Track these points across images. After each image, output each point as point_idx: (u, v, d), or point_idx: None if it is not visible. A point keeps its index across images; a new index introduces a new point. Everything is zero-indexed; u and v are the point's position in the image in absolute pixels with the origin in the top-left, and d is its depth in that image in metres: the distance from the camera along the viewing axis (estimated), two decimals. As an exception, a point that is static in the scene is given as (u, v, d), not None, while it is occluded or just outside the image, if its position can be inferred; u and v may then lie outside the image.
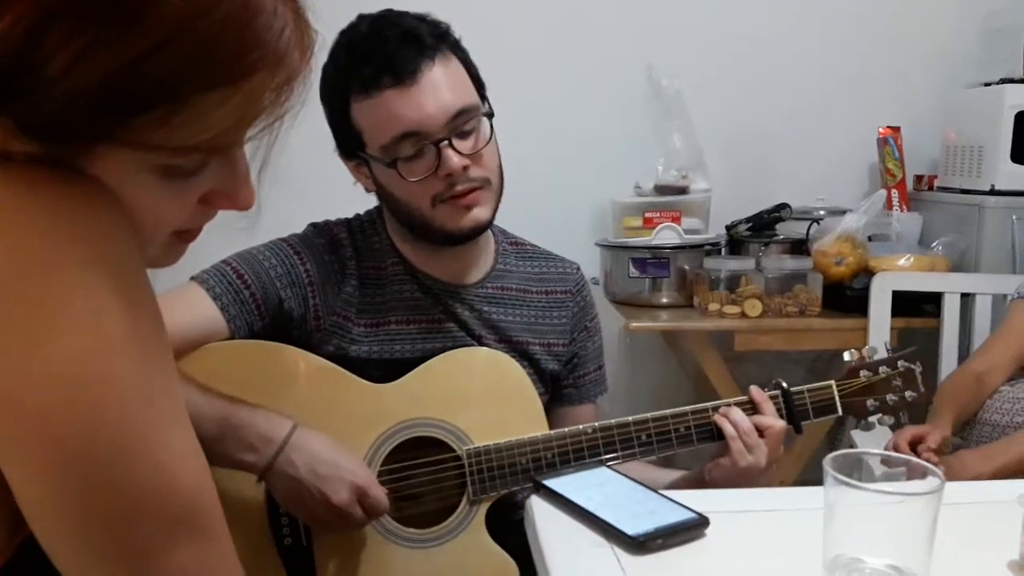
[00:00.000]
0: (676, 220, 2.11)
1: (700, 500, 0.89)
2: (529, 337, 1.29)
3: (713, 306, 2.02)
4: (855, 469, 0.72)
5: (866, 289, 2.00)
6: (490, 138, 1.16)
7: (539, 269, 1.34)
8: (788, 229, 2.19)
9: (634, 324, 1.98)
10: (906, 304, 2.00)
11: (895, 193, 2.26)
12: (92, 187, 0.52)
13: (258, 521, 1.11)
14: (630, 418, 1.18)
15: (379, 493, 1.07)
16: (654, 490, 0.94)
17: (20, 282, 0.49)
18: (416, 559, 1.15)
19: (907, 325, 2.01)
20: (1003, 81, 2.10)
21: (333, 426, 1.10)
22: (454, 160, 1.11)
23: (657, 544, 0.81)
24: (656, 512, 0.87)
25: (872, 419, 1.24)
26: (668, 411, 1.19)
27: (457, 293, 1.25)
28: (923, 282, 2.00)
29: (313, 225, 1.26)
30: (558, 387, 1.33)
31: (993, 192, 2.06)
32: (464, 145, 1.13)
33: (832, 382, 1.23)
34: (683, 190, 2.16)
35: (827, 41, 2.38)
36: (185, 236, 0.62)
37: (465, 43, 1.20)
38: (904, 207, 2.27)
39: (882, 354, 1.26)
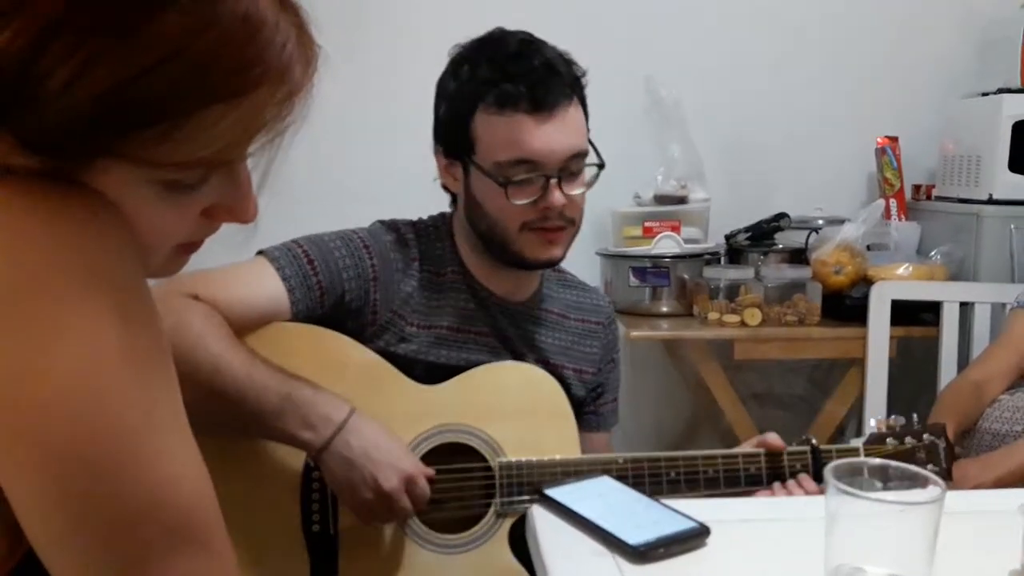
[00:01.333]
0: (676, 230, 2.11)
1: (701, 509, 0.89)
2: (564, 361, 1.32)
3: (713, 315, 2.02)
4: (856, 478, 0.73)
5: (865, 298, 2.00)
6: (590, 185, 1.21)
7: (576, 298, 1.39)
8: (787, 238, 2.20)
9: (634, 333, 1.98)
10: (905, 313, 2.00)
11: (893, 203, 2.27)
12: (92, 200, 0.52)
13: (290, 503, 1.12)
14: (661, 454, 1.20)
15: (425, 484, 1.09)
16: (655, 499, 0.94)
17: (17, 296, 0.49)
18: (437, 563, 1.16)
19: (906, 334, 2.02)
20: (1001, 91, 2.11)
21: (376, 419, 1.11)
22: (557, 198, 1.16)
23: (658, 553, 0.82)
24: (657, 521, 0.87)
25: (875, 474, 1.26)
26: (699, 452, 1.21)
27: (507, 309, 1.29)
28: (922, 291, 2.00)
29: (381, 222, 1.28)
30: (580, 413, 1.34)
31: (991, 201, 2.06)
32: (569, 186, 1.18)
33: (860, 446, 1.26)
34: (682, 200, 2.16)
35: (825, 51, 2.39)
36: (187, 248, 0.62)
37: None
38: (902, 216, 2.27)
39: (907, 424, 1.29)
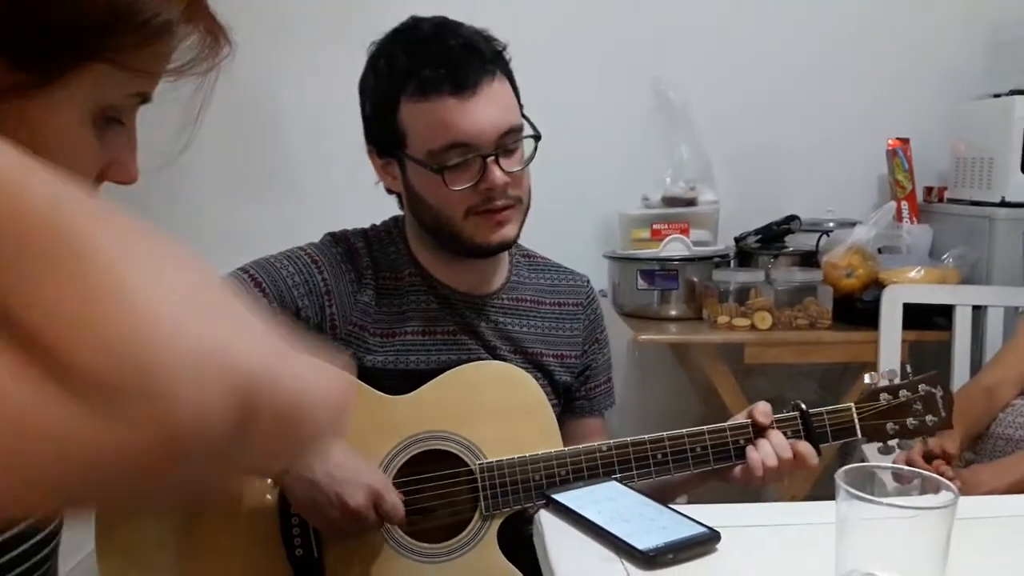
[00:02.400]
0: (684, 232, 2.10)
1: (711, 514, 0.88)
2: (543, 348, 1.29)
3: (722, 318, 2.01)
4: (868, 483, 0.72)
5: (877, 302, 1.99)
6: (530, 159, 1.17)
7: (551, 281, 1.35)
8: (797, 241, 2.19)
9: (643, 336, 1.98)
10: (917, 317, 1.98)
11: (905, 205, 2.25)
12: None
13: (270, 530, 1.11)
14: (646, 436, 1.17)
15: (395, 499, 1.07)
16: (664, 504, 0.94)
17: None
18: (426, 573, 1.14)
19: (918, 338, 2.00)
20: (1012, 93, 2.10)
21: (347, 437, 1.09)
22: (497, 176, 1.13)
23: (668, 559, 0.81)
24: (667, 526, 0.86)
25: (892, 443, 1.21)
26: (684, 430, 1.18)
27: (473, 304, 1.26)
28: (934, 295, 1.99)
29: (330, 234, 1.26)
30: (570, 399, 1.33)
31: (1003, 204, 2.05)
32: (508, 163, 1.15)
33: (852, 404, 1.21)
34: (691, 202, 2.15)
35: (836, 53, 2.38)
36: None
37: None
38: (914, 219, 2.26)
39: (902, 376, 1.24)
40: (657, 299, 2.12)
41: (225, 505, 1.10)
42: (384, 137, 1.18)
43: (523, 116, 1.20)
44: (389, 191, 1.25)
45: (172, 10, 0.58)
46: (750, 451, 1.15)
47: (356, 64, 2.37)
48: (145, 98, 0.62)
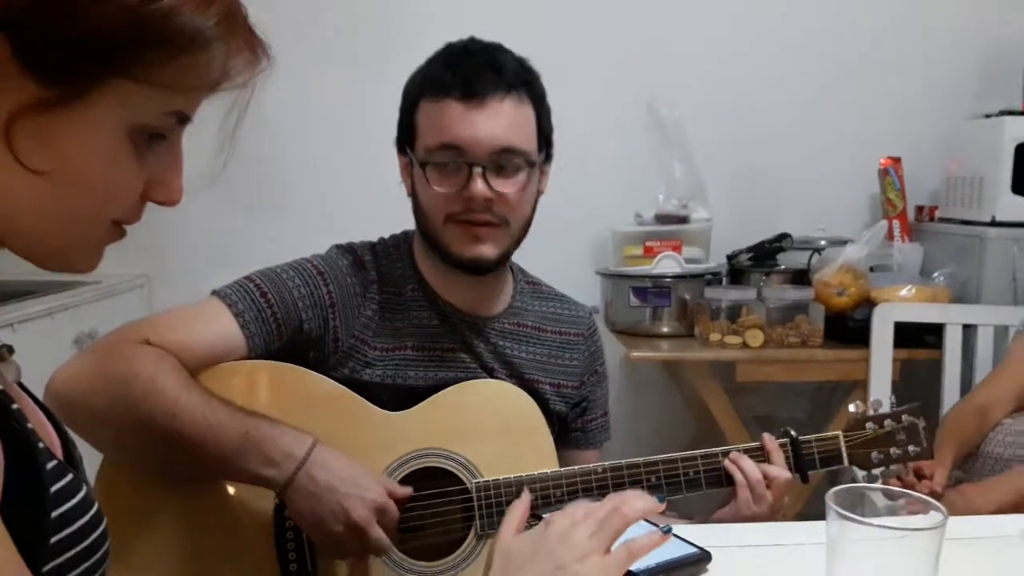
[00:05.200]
0: (677, 249, 2.11)
1: (702, 535, 0.88)
2: (540, 375, 1.29)
3: (714, 336, 2.02)
4: (857, 503, 0.72)
5: (868, 320, 1.99)
6: (524, 186, 1.17)
7: (554, 310, 1.36)
8: (789, 259, 2.19)
9: (635, 354, 1.97)
10: (908, 335, 1.99)
11: (896, 224, 2.26)
12: None
13: (265, 545, 1.10)
14: (640, 459, 1.17)
15: (396, 512, 1.06)
16: (656, 525, 0.93)
17: None
18: None
19: (909, 356, 2.01)
20: (1003, 113, 2.11)
21: (345, 452, 1.08)
22: (479, 188, 1.13)
23: (658, 579, 0.80)
24: (660, 547, 0.86)
25: (876, 471, 1.25)
26: (678, 454, 1.19)
27: (474, 324, 1.26)
28: (925, 313, 2.00)
29: (337, 246, 1.26)
30: (565, 430, 1.33)
31: (994, 223, 2.06)
32: (498, 182, 1.15)
33: (839, 433, 1.24)
34: (684, 219, 2.16)
35: (828, 71, 2.39)
36: (117, 230, 0.63)
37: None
38: (905, 238, 2.27)
39: (886, 407, 1.28)
40: (649, 316, 2.13)
41: (221, 518, 1.09)
42: (403, 135, 1.21)
43: (544, 152, 1.20)
44: (408, 194, 1.26)
45: (203, 23, 0.57)
46: (729, 465, 1.18)
47: (352, 78, 2.38)
48: (183, 118, 0.61)
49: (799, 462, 1.21)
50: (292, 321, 1.15)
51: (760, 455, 1.20)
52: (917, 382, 2.08)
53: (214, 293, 1.15)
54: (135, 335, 1.06)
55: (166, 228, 2.06)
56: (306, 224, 2.16)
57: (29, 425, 0.60)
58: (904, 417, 1.25)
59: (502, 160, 1.15)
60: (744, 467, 1.16)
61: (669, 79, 2.28)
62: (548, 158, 1.25)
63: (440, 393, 1.19)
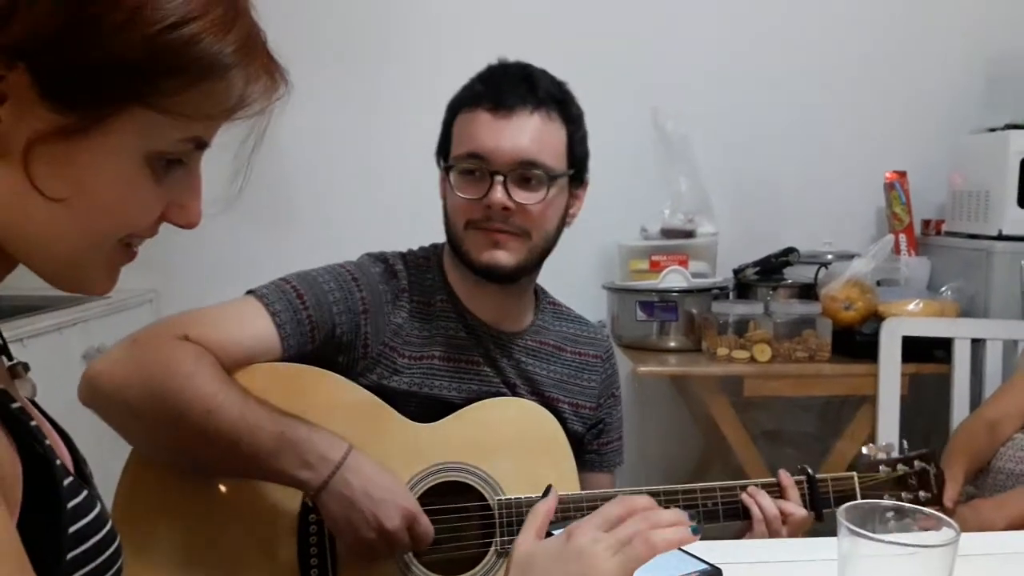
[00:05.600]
0: (683, 264, 2.11)
1: (713, 551, 0.87)
2: (560, 394, 1.31)
3: (722, 351, 2.01)
4: (869, 519, 0.71)
5: (876, 334, 1.98)
6: (546, 201, 1.18)
7: (574, 331, 1.37)
8: (796, 273, 2.19)
9: (642, 368, 1.97)
10: (916, 349, 1.98)
11: (903, 238, 2.26)
12: None
13: (287, 547, 1.10)
14: (660, 488, 1.18)
15: (427, 523, 1.07)
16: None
17: None
18: None
19: (918, 371, 2.00)
20: (1008, 127, 2.11)
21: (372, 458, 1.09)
22: (497, 197, 1.16)
23: (668, 596, 0.80)
24: (668, 562, 0.85)
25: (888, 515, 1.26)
26: (698, 485, 1.20)
27: (498, 339, 1.27)
28: (933, 328, 1.99)
29: (369, 254, 1.28)
30: (581, 451, 1.33)
31: (1001, 237, 2.05)
32: (519, 193, 1.17)
33: (855, 474, 1.25)
34: (690, 234, 2.16)
35: (834, 86, 2.40)
36: (128, 252, 0.64)
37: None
38: (912, 252, 2.26)
39: (897, 450, 1.30)
40: (656, 331, 2.12)
41: (244, 519, 1.09)
42: (441, 146, 1.25)
43: (575, 170, 1.23)
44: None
45: (222, 50, 0.57)
46: (747, 500, 1.19)
47: (362, 97, 2.39)
48: (200, 144, 0.61)
49: (815, 500, 1.22)
50: (326, 324, 1.16)
51: (776, 491, 1.21)
52: (926, 397, 2.07)
53: (251, 293, 1.16)
54: (174, 330, 1.06)
55: (175, 244, 2.05)
56: (314, 240, 2.17)
57: (47, 442, 0.61)
58: (916, 463, 1.27)
59: (524, 172, 1.17)
60: (762, 503, 1.17)
61: (674, 94, 2.28)
62: (581, 182, 1.27)
63: (467, 408, 1.20)
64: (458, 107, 1.22)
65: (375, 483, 1.04)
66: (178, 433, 1.02)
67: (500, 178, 1.15)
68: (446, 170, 1.21)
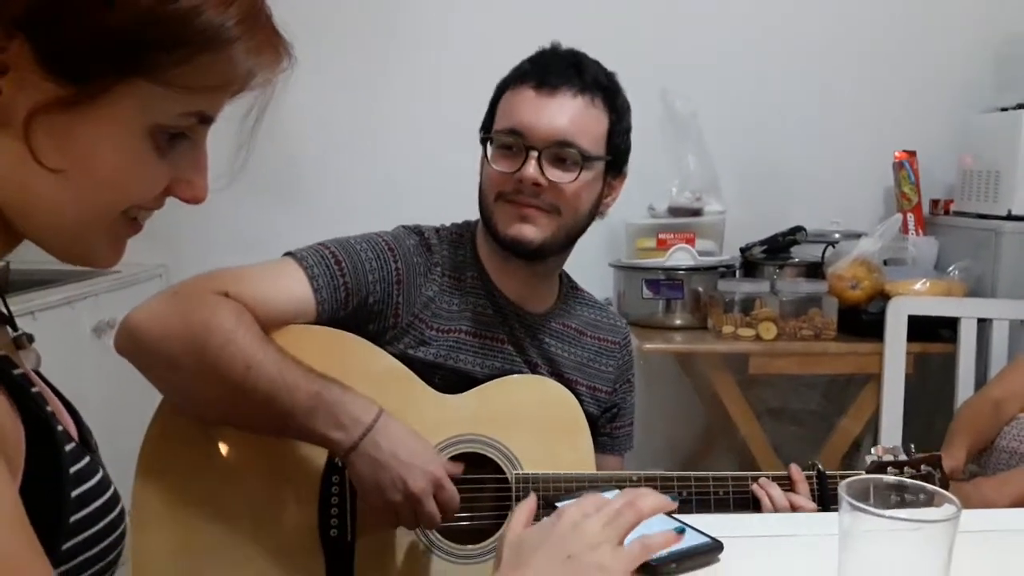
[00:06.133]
0: (690, 242, 2.11)
1: (714, 524, 0.88)
2: (579, 376, 1.33)
3: (727, 328, 2.02)
4: (870, 495, 0.72)
5: (882, 313, 1.99)
6: (579, 182, 1.19)
7: (594, 316, 1.39)
8: (803, 252, 2.19)
9: (648, 346, 1.98)
10: (922, 329, 1.98)
11: (911, 217, 2.26)
12: None
13: (308, 506, 1.12)
14: (674, 473, 1.20)
15: (453, 489, 1.08)
16: (668, 514, 0.94)
17: None
18: (454, 573, 1.15)
19: (923, 350, 2.00)
20: (1019, 107, 2.10)
21: None
22: (531, 171, 1.17)
23: (671, 568, 0.81)
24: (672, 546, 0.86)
25: (889, 491, 1.27)
26: (710, 473, 1.21)
27: (523, 318, 1.29)
28: (939, 307, 1.99)
29: (404, 226, 1.29)
30: (594, 434, 1.34)
31: (1010, 217, 2.05)
32: (552, 171, 1.18)
33: (864, 473, 1.25)
34: (697, 212, 2.16)
35: (843, 64, 2.39)
36: (133, 225, 0.64)
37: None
38: (920, 231, 2.26)
39: (904, 453, 1.29)
40: (662, 308, 2.13)
41: (267, 478, 1.12)
42: (485, 123, 1.26)
43: (614, 157, 1.23)
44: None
45: (223, 22, 0.56)
46: (758, 491, 1.20)
47: (369, 71, 2.38)
48: (204, 118, 0.61)
49: (823, 495, 1.23)
50: (361, 292, 1.18)
51: (786, 484, 1.22)
52: (931, 376, 2.08)
53: (289, 255, 1.18)
54: (215, 286, 1.08)
55: (184, 218, 2.06)
56: (324, 214, 2.17)
57: (48, 408, 0.61)
58: (923, 467, 1.27)
59: (559, 151, 1.18)
60: (772, 494, 1.18)
61: (684, 71, 2.27)
62: (617, 172, 1.28)
63: (491, 383, 1.22)
64: (506, 85, 1.24)
65: (405, 446, 1.05)
66: (217, 387, 1.04)
67: (535, 154, 1.17)
68: (485, 142, 1.23)
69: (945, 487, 1.28)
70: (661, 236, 2.12)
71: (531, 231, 1.20)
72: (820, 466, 1.24)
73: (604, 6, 2.33)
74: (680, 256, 2.10)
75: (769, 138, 2.38)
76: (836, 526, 0.71)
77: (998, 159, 2.10)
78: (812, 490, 1.22)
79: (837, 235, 2.20)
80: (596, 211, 1.27)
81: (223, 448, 1.11)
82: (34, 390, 0.62)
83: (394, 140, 2.33)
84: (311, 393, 1.04)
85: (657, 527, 0.91)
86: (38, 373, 0.69)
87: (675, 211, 2.16)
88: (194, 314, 1.04)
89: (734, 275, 2.18)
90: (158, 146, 0.59)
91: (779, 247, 2.17)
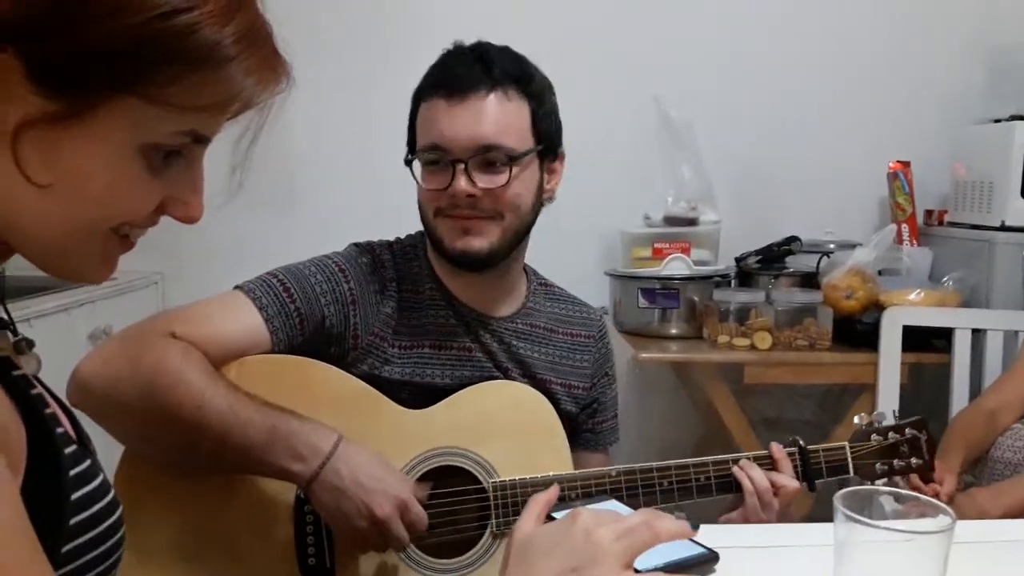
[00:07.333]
0: (685, 251, 2.11)
1: (710, 535, 0.88)
2: (552, 376, 1.30)
3: (723, 338, 2.02)
4: (866, 506, 0.72)
5: (876, 324, 1.99)
6: (511, 182, 1.16)
7: (566, 311, 1.37)
8: (798, 262, 2.20)
9: (643, 355, 1.98)
10: (917, 339, 1.99)
11: (905, 228, 2.26)
12: None
13: (284, 537, 1.11)
14: (653, 464, 1.19)
15: (420, 510, 1.07)
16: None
17: None
18: None
19: (918, 360, 2.00)
20: (1013, 118, 2.11)
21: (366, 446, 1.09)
22: (461, 185, 1.15)
23: (666, 579, 0.81)
24: (668, 548, 0.86)
25: (879, 482, 1.28)
26: (690, 460, 1.20)
27: (488, 324, 1.27)
28: (934, 317, 1.99)
29: (356, 245, 1.27)
30: (576, 431, 1.33)
31: (1003, 228, 2.06)
32: (481, 177, 1.15)
33: (846, 443, 1.26)
34: (693, 221, 2.16)
35: (838, 75, 2.40)
36: (124, 242, 0.63)
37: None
38: (914, 242, 2.27)
39: (890, 419, 1.31)
40: (658, 317, 2.13)
41: (240, 511, 1.10)
42: (409, 140, 1.23)
43: (543, 146, 1.20)
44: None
45: (220, 40, 0.55)
46: (737, 473, 1.19)
47: (363, 78, 2.39)
48: (198, 137, 0.60)
49: (807, 471, 1.23)
50: (314, 316, 1.16)
51: (769, 463, 1.21)
52: (925, 386, 2.08)
53: (238, 288, 1.16)
54: (161, 327, 1.07)
55: (181, 226, 2.06)
56: (320, 223, 2.17)
57: (48, 410, 0.61)
58: (908, 430, 1.28)
59: (485, 156, 1.15)
60: (753, 475, 1.18)
61: (678, 82, 2.28)
62: (553, 156, 1.25)
63: (459, 393, 1.20)
64: (419, 97, 1.20)
65: (366, 472, 1.04)
66: (171, 430, 1.02)
67: (461, 166, 1.14)
68: (408, 163, 1.20)
69: (931, 449, 1.29)
70: (657, 245, 2.12)
71: (477, 242, 1.18)
72: (801, 442, 1.24)
73: (599, 15, 2.34)
74: (676, 265, 2.10)
75: (764, 148, 2.39)
76: (832, 537, 0.71)
77: (991, 170, 2.11)
78: (795, 466, 1.22)
79: (832, 245, 2.21)
80: (540, 201, 1.24)
81: (192, 487, 1.09)
82: (34, 392, 0.62)
83: (391, 148, 2.32)
84: (266, 427, 1.02)
85: (678, 552, 0.90)
86: (37, 379, 0.69)
87: (671, 220, 2.17)
88: (142, 358, 1.03)
89: (729, 285, 2.19)
90: (151, 164, 0.58)
91: (774, 257, 2.18)
